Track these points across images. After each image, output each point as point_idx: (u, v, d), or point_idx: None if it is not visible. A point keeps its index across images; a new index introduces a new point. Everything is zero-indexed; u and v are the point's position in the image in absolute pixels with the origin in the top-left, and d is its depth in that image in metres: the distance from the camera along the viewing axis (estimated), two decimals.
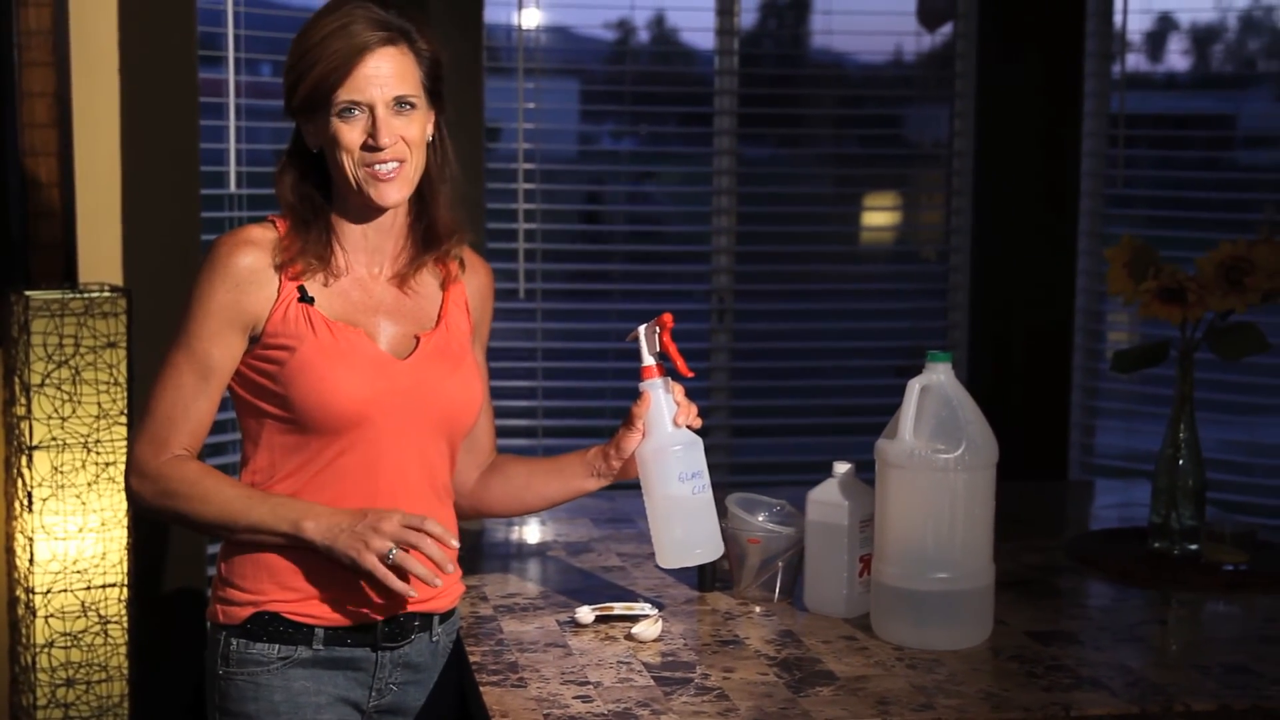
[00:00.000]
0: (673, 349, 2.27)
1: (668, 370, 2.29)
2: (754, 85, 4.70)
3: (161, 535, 3.73)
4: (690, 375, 2.28)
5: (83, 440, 3.24)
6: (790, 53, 4.94)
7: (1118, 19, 4.61)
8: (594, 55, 4.87)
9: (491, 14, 4.43)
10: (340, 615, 2.21)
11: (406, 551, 2.10)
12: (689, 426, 2.29)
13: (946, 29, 4.76)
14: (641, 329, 2.28)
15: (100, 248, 3.63)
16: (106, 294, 3.27)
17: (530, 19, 4.48)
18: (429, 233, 2.29)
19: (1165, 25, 4.85)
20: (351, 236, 2.25)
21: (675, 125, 4.92)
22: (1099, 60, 4.64)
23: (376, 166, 2.16)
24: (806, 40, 4.95)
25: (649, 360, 2.27)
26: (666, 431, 2.26)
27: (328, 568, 2.18)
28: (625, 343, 2.32)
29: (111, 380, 3.25)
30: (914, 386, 2.28)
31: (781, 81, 4.76)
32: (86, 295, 3.26)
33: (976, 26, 4.65)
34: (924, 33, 4.79)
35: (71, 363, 3.21)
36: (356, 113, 2.16)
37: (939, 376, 2.29)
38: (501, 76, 4.50)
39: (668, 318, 2.27)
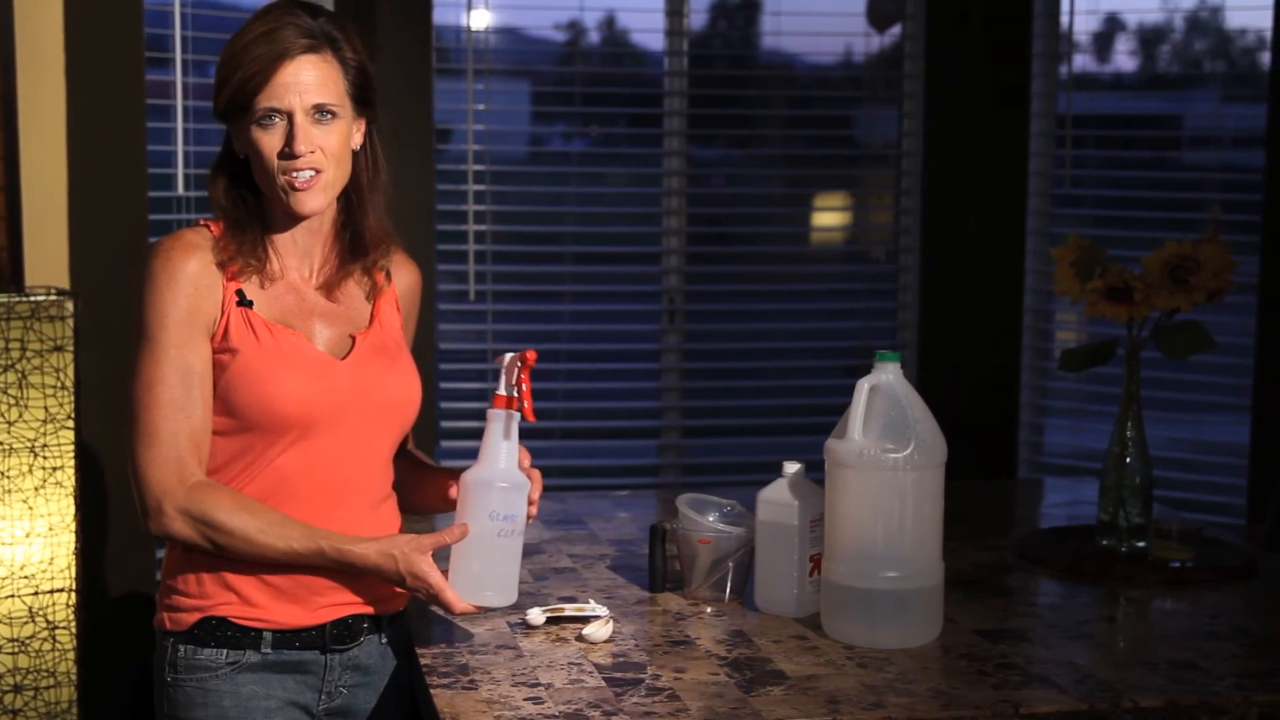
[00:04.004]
0: (525, 388, 2.19)
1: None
2: (704, 86, 4.71)
3: (109, 541, 3.71)
4: (533, 420, 2.20)
5: (29, 444, 3.22)
6: (740, 54, 4.95)
7: (1065, 20, 4.64)
8: (544, 56, 4.86)
9: (440, 15, 4.43)
10: (288, 618, 2.20)
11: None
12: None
13: (895, 30, 4.78)
14: (507, 357, 2.21)
15: (46, 250, 3.61)
16: (53, 297, 3.25)
17: (480, 20, 4.48)
18: (355, 242, 2.28)
19: (1112, 26, 4.88)
20: (282, 239, 2.25)
21: (625, 126, 4.92)
22: (1046, 61, 4.67)
23: (293, 175, 2.16)
24: (756, 41, 4.96)
25: (503, 390, 2.19)
26: (496, 466, 2.17)
27: (275, 572, 2.17)
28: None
29: (59, 384, 3.23)
30: (863, 386, 2.29)
31: (731, 82, 4.77)
32: (33, 298, 3.24)
33: (925, 27, 4.67)
34: (873, 34, 4.81)
35: (18, 366, 3.19)
36: (275, 119, 2.15)
37: (888, 376, 2.30)
38: (451, 78, 4.50)
39: (531, 355, 2.19)
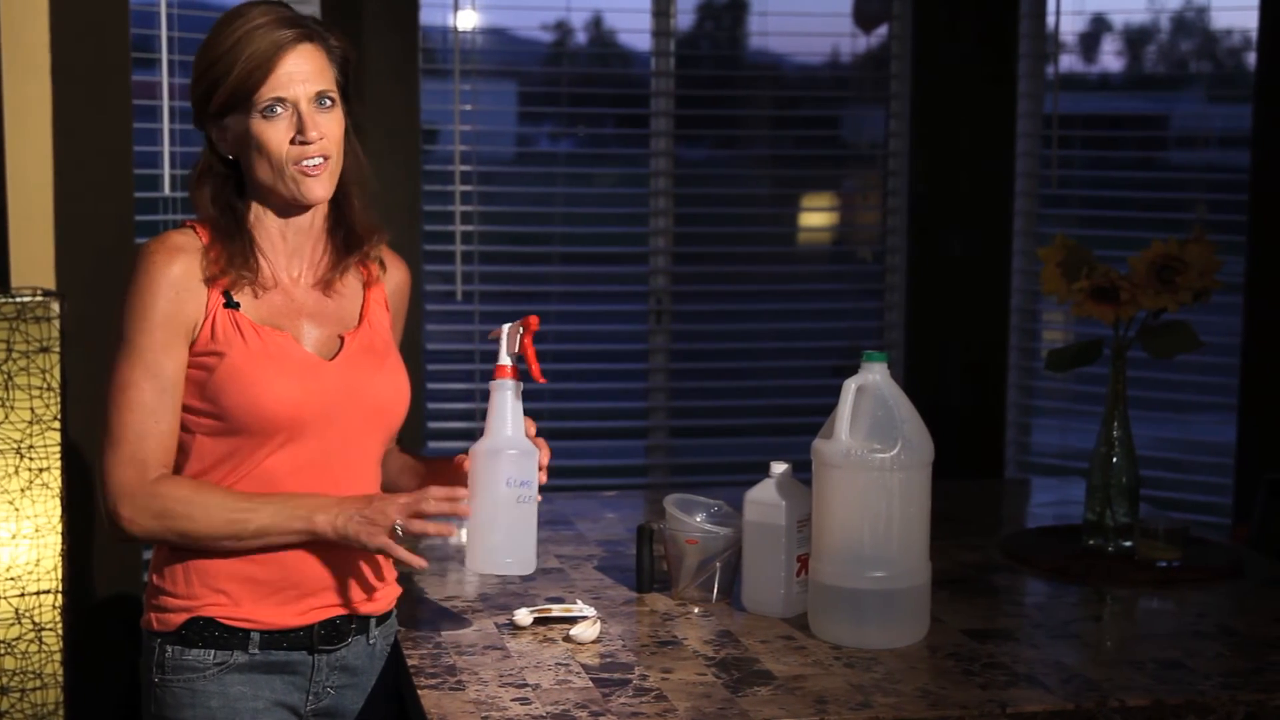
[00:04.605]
0: (530, 352, 2.22)
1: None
2: (691, 86, 4.71)
3: (96, 542, 3.70)
4: (543, 381, 2.23)
5: (15, 446, 3.21)
6: (727, 54, 4.95)
7: (1051, 20, 4.65)
8: (531, 57, 4.86)
9: (427, 15, 4.42)
10: (275, 619, 2.20)
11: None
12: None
13: (882, 30, 4.79)
14: (505, 327, 2.24)
15: (32, 251, 3.60)
16: (39, 298, 3.24)
17: (466, 20, 4.47)
18: (349, 235, 2.28)
19: (1099, 26, 4.89)
20: (272, 239, 2.24)
21: (612, 127, 4.92)
22: (1033, 61, 4.68)
23: (305, 163, 2.16)
24: (743, 42, 4.96)
25: (504, 360, 2.23)
26: (505, 434, 2.19)
27: (262, 571, 2.17)
28: (488, 340, 2.29)
29: (45, 385, 3.22)
30: (850, 386, 2.29)
31: (718, 83, 4.77)
32: (18, 299, 3.23)
33: (911, 28, 4.67)
34: (860, 34, 4.81)
35: (4, 368, 3.18)
36: (280, 110, 2.15)
37: (875, 376, 2.30)
38: (438, 78, 4.49)
39: (533, 320, 2.23)
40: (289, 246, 2.25)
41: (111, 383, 2.17)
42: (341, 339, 2.26)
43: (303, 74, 2.16)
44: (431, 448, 4.40)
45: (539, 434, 2.28)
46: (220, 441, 2.18)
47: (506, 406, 2.21)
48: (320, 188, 2.19)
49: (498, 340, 2.25)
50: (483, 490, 2.17)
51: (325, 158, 2.18)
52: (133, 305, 2.16)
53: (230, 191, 2.23)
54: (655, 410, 4.72)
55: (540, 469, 2.22)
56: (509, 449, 2.18)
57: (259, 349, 2.17)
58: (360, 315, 2.30)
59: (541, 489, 2.24)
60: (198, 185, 2.24)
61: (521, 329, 2.23)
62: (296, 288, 2.26)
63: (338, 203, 2.28)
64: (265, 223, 2.24)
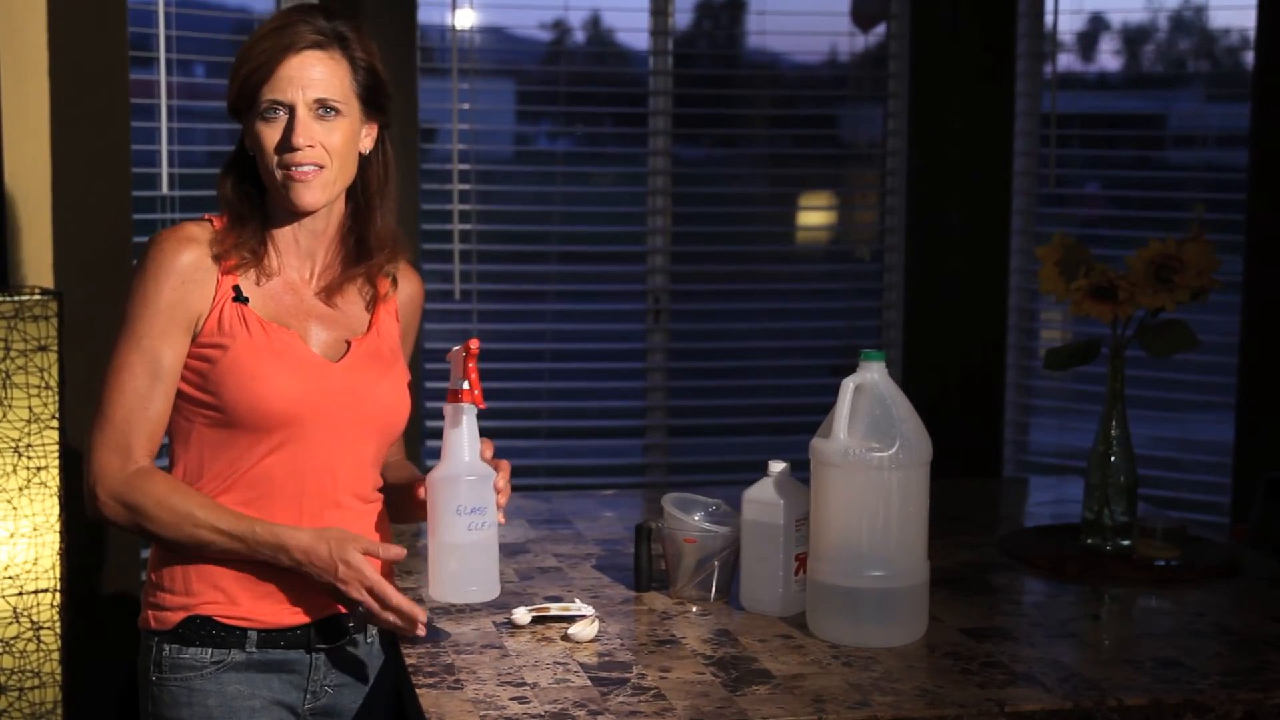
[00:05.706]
0: (474, 376, 2.19)
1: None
2: (689, 86, 4.71)
3: (95, 541, 3.70)
4: (483, 406, 2.20)
5: (14, 445, 3.21)
6: (725, 53, 4.95)
7: (1049, 19, 4.65)
8: (529, 56, 4.86)
9: (425, 14, 4.42)
10: (272, 617, 2.20)
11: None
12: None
13: (880, 29, 4.79)
14: (454, 351, 2.22)
15: (31, 250, 3.60)
16: (37, 297, 3.24)
17: (465, 19, 4.47)
18: (360, 246, 2.28)
19: (1097, 25, 4.89)
20: (284, 238, 2.24)
21: (611, 126, 4.92)
22: (1031, 60, 4.68)
23: (292, 168, 2.16)
24: (741, 41, 4.96)
25: (453, 385, 2.20)
26: (460, 460, 2.17)
27: (259, 570, 2.17)
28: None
29: (43, 384, 3.22)
30: (848, 385, 2.29)
31: (716, 82, 4.77)
32: (17, 298, 3.23)
33: (910, 27, 4.67)
34: (858, 33, 4.81)
35: (2, 366, 3.18)
36: (279, 112, 2.16)
37: (873, 375, 2.30)
38: (436, 77, 4.49)
39: (473, 343, 2.20)
40: (301, 248, 2.26)
41: (109, 364, 2.18)
42: (349, 343, 2.26)
43: (305, 79, 2.16)
44: (429, 447, 4.40)
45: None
46: (219, 434, 2.18)
47: (461, 432, 2.18)
48: (310, 194, 2.18)
49: (451, 363, 2.23)
50: (437, 519, 2.16)
51: (319, 167, 2.17)
52: (138, 291, 2.17)
53: (251, 183, 2.23)
54: (653, 409, 4.72)
55: (498, 491, 2.20)
56: (466, 475, 2.16)
57: (263, 344, 2.17)
58: (370, 322, 2.30)
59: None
60: (224, 173, 2.25)
61: (465, 354, 2.20)
62: (307, 289, 2.26)
63: (356, 212, 2.28)
64: (280, 221, 2.24)
